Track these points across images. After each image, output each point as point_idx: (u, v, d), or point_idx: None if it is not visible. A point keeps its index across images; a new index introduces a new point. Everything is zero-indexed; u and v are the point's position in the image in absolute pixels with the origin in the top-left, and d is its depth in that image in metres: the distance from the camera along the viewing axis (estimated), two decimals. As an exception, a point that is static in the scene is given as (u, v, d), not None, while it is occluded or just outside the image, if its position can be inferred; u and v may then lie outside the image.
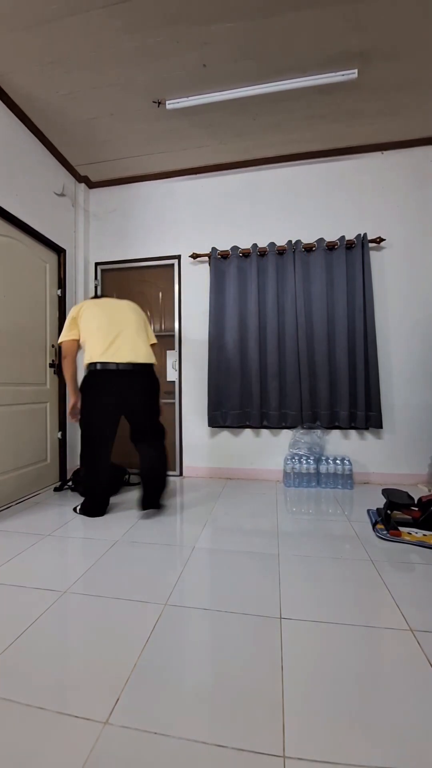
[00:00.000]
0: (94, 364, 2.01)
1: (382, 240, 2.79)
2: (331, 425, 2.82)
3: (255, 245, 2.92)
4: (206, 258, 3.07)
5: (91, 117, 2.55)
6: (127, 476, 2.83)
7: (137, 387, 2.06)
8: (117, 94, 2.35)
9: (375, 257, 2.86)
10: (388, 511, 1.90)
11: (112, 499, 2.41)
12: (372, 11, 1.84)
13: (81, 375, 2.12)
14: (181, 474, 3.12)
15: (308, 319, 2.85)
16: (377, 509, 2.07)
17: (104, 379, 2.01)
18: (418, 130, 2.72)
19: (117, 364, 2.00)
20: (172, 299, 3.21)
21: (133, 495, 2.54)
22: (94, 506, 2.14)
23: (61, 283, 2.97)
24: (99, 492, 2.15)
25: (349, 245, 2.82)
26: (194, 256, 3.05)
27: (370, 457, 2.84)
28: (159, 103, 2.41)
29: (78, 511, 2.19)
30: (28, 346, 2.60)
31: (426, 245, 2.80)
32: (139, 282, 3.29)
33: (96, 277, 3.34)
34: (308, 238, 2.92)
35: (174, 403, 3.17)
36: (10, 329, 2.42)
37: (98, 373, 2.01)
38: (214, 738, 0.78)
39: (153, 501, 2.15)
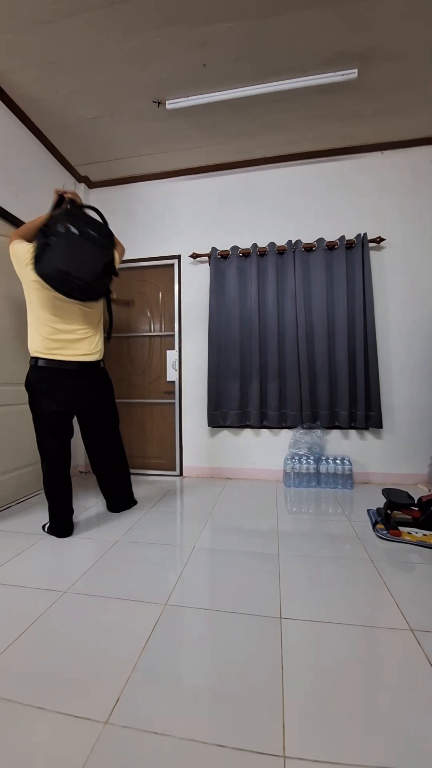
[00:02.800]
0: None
1: (382, 240, 2.79)
2: (331, 425, 2.82)
3: (255, 245, 2.92)
4: (206, 258, 3.07)
5: (91, 117, 2.55)
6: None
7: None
8: (117, 94, 2.35)
9: (375, 257, 2.86)
10: (388, 511, 1.90)
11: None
12: (372, 11, 1.84)
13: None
14: (181, 474, 3.12)
15: (308, 319, 2.85)
16: (377, 509, 2.07)
17: None
18: (418, 130, 2.72)
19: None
20: (172, 299, 3.21)
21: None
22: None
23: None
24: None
25: (349, 245, 2.82)
26: (194, 256, 3.05)
27: (370, 457, 2.84)
28: (159, 103, 2.41)
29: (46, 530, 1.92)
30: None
31: (426, 245, 2.80)
32: (140, 282, 3.29)
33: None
34: (308, 238, 2.92)
35: (174, 403, 3.17)
36: (10, 329, 2.41)
37: None
38: (214, 738, 0.78)
39: (126, 499, 2.19)
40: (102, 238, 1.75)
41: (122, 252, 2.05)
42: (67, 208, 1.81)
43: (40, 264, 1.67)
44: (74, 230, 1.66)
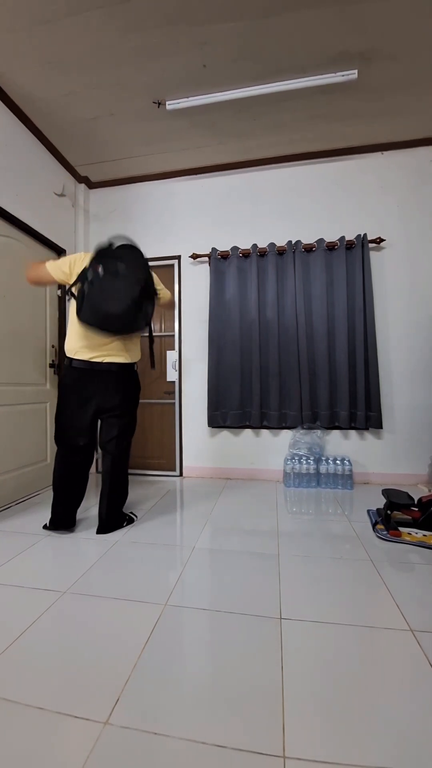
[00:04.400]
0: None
1: (382, 240, 2.79)
2: (331, 425, 2.82)
3: (255, 245, 2.92)
4: (206, 258, 3.07)
5: (91, 117, 2.55)
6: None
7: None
8: (117, 94, 2.35)
9: (375, 257, 2.86)
10: (388, 512, 1.90)
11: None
12: (372, 11, 1.84)
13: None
14: (181, 474, 3.12)
15: (308, 319, 2.85)
16: (377, 509, 2.07)
17: None
18: (418, 130, 2.72)
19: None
20: (172, 299, 3.21)
21: (132, 496, 2.54)
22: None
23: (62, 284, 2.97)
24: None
25: (349, 245, 2.82)
26: (194, 256, 3.05)
27: (370, 457, 2.84)
28: (159, 103, 2.41)
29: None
30: (28, 346, 2.60)
31: (426, 245, 2.80)
32: (139, 282, 3.28)
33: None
34: (308, 239, 2.92)
35: (174, 403, 3.17)
36: (10, 329, 2.42)
37: None
38: (214, 738, 0.78)
39: (100, 525, 1.90)
40: (132, 269, 1.75)
41: (167, 296, 2.03)
42: (102, 249, 1.80)
43: (81, 313, 1.73)
44: (101, 271, 1.70)
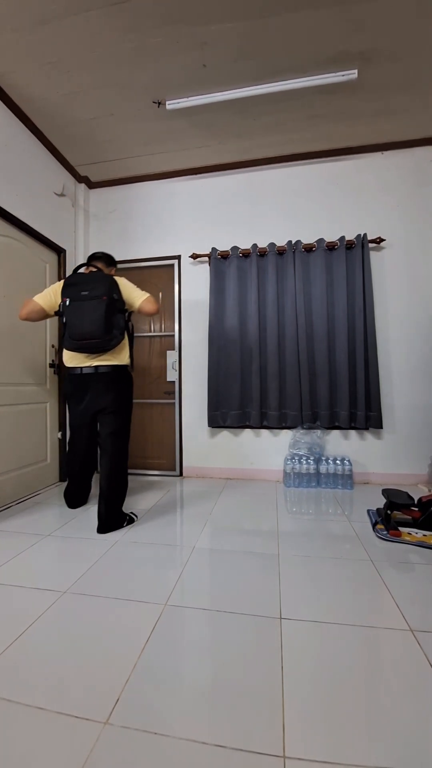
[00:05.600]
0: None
1: (382, 240, 2.79)
2: (331, 425, 2.82)
3: (255, 245, 2.92)
4: (206, 258, 3.07)
5: (91, 117, 2.55)
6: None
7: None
8: (117, 94, 2.35)
9: (375, 257, 2.86)
10: (388, 512, 1.90)
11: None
12: (372, 11, 1.84)
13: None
14: (181, 474, 3.12)
15: (308, 320, 2.85)
16: (377, 509, 2.07)
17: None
18: (418, 130, 2.72)
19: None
20: (172, 299, 3.21)
21: (132, 496, 2.54)
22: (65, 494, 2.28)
23: (61, 283, 2.97)
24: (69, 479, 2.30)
25: (349, 245, 2.82)
26: (194, 256, 3.05)
27: (370, 457, 2.84)
28: (159, 103, 2.41)
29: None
30: (28, 346, 2.60)
31: (426, 245, 2.80)
32: (139, 282, 3.25)
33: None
34: (308, 239, 2.92)
35: (174, 403, 3.17)
36: (10, 329, 2.42)
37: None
38: (214, 738, 0.78)
39: (99, 524, 1.94)
40: (92, 289, 1.90)
41: (145, 299, 2.03)
42: (66, 279, 2.01)
43: (64, 341, 1.96)
44: (68, 302, 1.92)
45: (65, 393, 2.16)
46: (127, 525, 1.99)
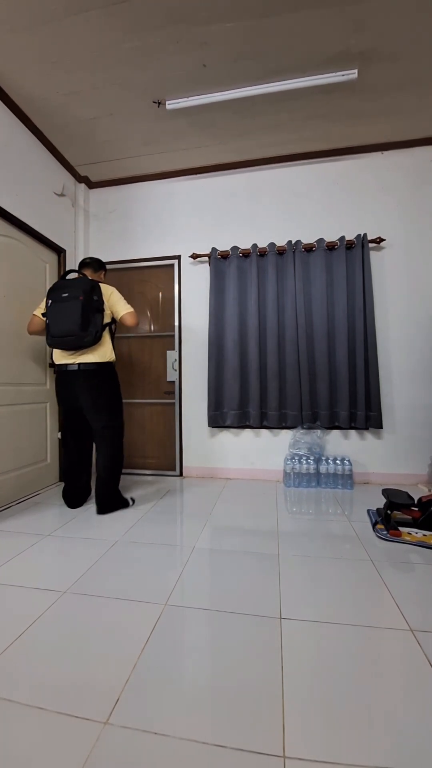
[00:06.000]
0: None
1: (382, 240, 2.79)
2: (331, 425, 2.82)
3: (255, 245, 2.92)
4: (206, 258, 3.07)
5: (91, 117, 2.54)
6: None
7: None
8: (117, 94, 2.35)
9: (375, 257, 2.86)
10: (388, 511, 1.90)
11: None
12: (372, 11, 1.84)
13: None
14: (181, 474, 3.12)
15: (308, 319, 2.85)
16: (377, 509, 2.07)
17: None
18: (418, 130, 2.72)
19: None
20: (172, 299, 3.21)
21: (133, 495, 2.54)
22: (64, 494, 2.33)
23: (61, 283, 2.97)
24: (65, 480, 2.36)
25: (349, 245, 2.82)
26: (194, 256, 3.05)
27: (370, 457, 2.84)
28: (159, 103, 2.41)
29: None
30: (28, 346, 2.60)
31: (426, 245, 2.80)
32: (139, 282, 3.29)
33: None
34: (308, 238, 2.92)
35: (174, 403, 3.17)
36: (10, 329, 2.42)
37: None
38: (214, 738, 0.78)
39: (98, 506, 2.19)
40: (72, 290, 2.04)
41: (126, 310, 2.22)
42: (53, 284, 2.15)
43: (47, 339, 2.10)
44: (50, 303, 2.07)
45: (56, 392, 2.30)
46: (123, 508, 2.21)
